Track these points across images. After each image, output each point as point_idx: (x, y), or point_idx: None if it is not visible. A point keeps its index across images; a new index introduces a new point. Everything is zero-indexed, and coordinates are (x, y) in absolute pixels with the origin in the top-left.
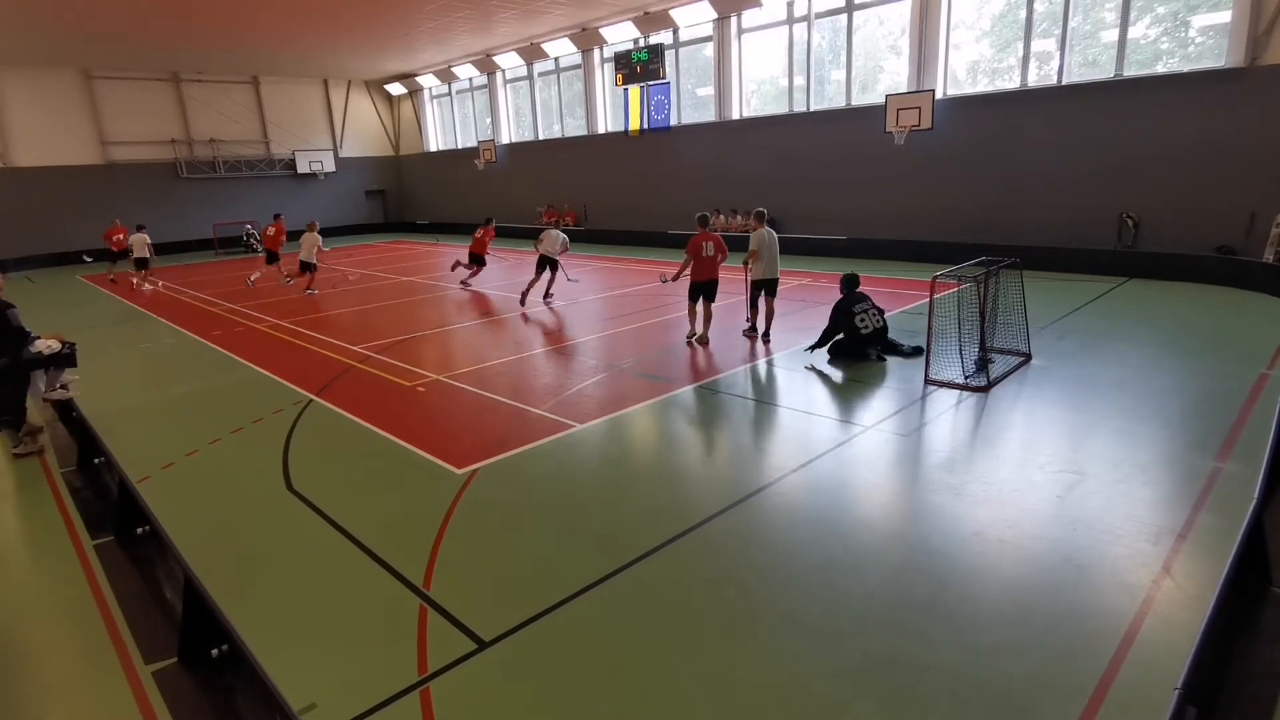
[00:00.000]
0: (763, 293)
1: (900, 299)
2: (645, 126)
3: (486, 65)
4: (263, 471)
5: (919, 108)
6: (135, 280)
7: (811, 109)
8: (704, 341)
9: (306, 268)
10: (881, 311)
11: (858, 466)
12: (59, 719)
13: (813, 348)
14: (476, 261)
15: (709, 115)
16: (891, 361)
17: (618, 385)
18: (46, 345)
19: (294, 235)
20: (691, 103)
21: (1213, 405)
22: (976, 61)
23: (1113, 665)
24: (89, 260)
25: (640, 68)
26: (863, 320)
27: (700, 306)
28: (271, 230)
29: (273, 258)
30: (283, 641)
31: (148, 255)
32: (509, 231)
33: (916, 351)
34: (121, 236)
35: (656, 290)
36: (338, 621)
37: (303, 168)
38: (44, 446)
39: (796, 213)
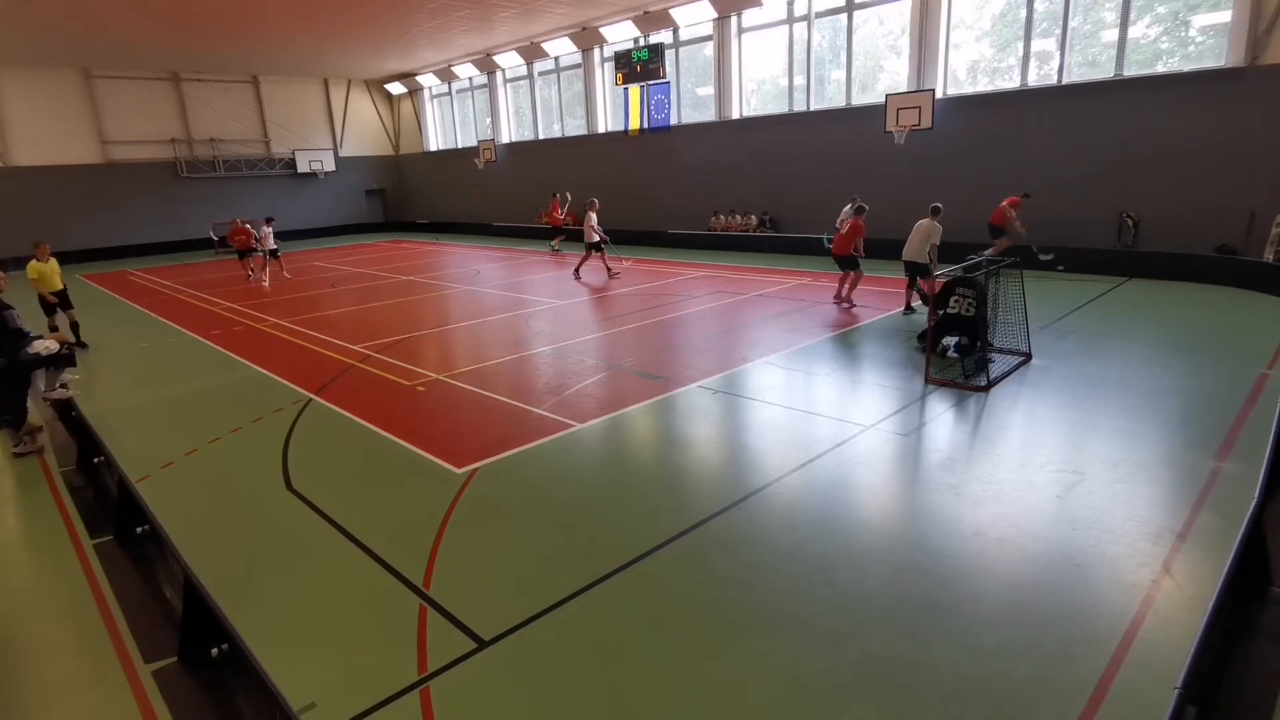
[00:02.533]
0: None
1: (901, 298)
2: (645, 126)
3: (486, 64)
4: (262, 471)
5: (919, 107)
6: (256, 270)
7: (811, 108)
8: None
9: (595, 248)
10: (979, 306)
11: (858, 466)
12: (59, 718)
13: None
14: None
15: (709, 115)
16: (891, 361)
17: (618, 385)
18: (45, 346)
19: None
20: (691, 102)
21: (1213, 405)
22: (976, 61)
23: (1112, 665)
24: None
25: (640, 67)
26: (955, 303)
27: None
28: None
29: (557, 231)
30: (282, 641)
31: (276, 245)
32: (509, 232)
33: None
34: (245, 237)
35: (657, 290)
36: (337, 621)
37: (303, 167)
38: (43, 446)
39: (796, 212)
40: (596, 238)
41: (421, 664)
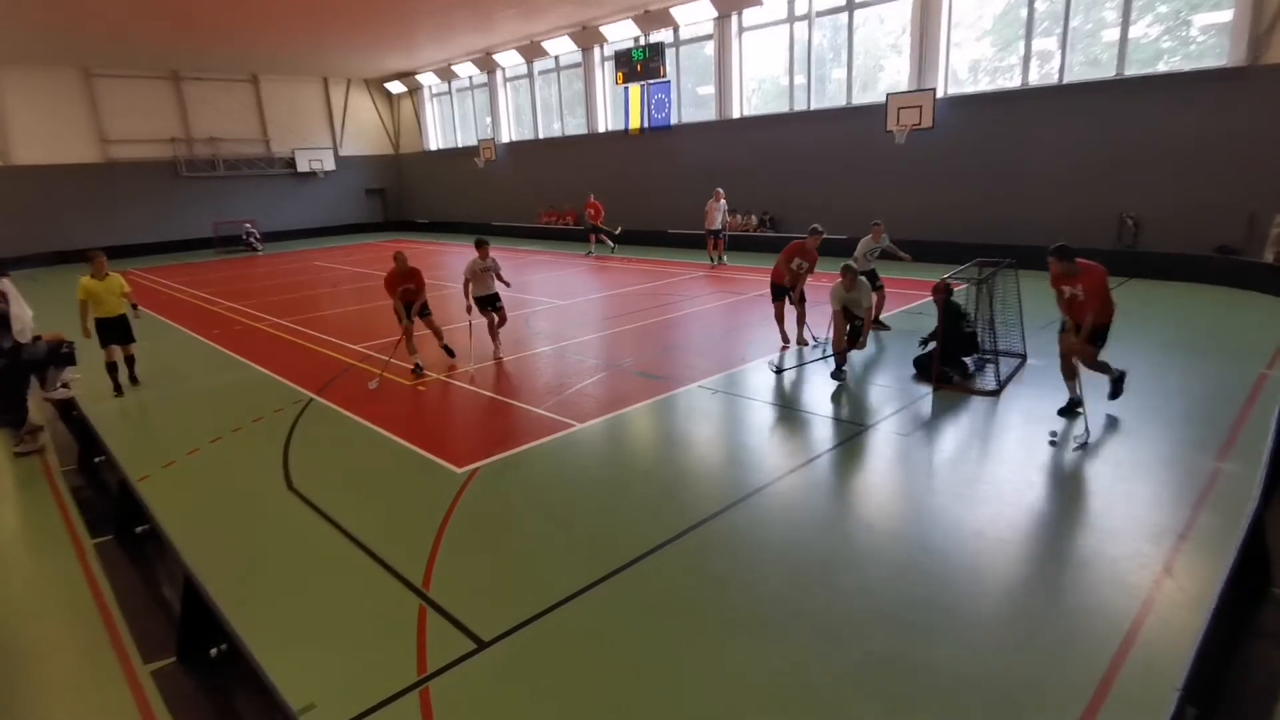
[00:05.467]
0: None
1: (900, 299)
2: (646, 125)
3: (487, 63)
4: (263, 471)
5: (920, 106)
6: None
7: (812, 108)
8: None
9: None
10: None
11: (858, 466)
12: (59, 718)
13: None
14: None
15: (709, 114)
16: (892, 361)
17: (618, 384)
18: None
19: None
20: (692, 101)
21: (1213, 405)
22: (978, 60)
23: (1113, 666)
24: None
25: (640, 66)
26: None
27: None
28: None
29: (596, 229)
30: (282, 641)
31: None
32: (509, 231)
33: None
34: (414, 287)
35: (657, 289)
36: (337, 621)
37: (303, 166)
38: (44, 445)
39: (796, 212)
40: (717, 225)
41: (421, 664)
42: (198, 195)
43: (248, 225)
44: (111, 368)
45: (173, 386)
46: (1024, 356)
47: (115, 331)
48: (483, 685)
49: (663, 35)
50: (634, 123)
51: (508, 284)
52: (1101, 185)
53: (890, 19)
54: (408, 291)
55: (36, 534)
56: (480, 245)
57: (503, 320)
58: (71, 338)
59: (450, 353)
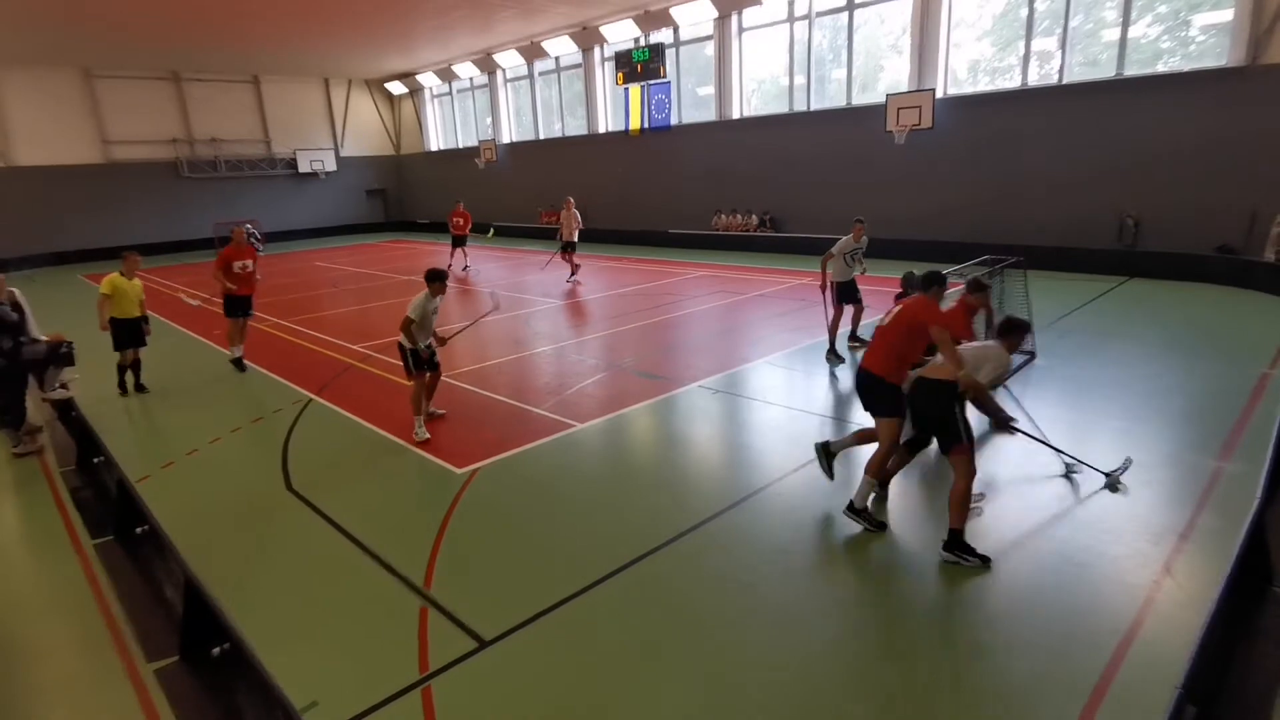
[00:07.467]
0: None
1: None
2: (646, 126)
3: (487, 64)
4: (262, 471)
5: (919, 107)
6: None
7: (812, 108)
8: None
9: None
10: None
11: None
12: (62, 718)
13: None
14: None
15: (709, 114)
16: None
17: (618, 384)
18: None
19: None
20: (692, 102)
21: (1214, 405)
22: (977, 61)
23: (1113, 664)
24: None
25: (641, 67)
26: None
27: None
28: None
29: (458, 241)
30: (284, 640)
31: None
32: (510, 232)
33: None
34: (252, 263)
35: (657, 289)
36: (338, 620)
37: (304, 167)
38: (43, 446)
39: (796, 212)
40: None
41: (423, 663)
42: (199, 196)
43: (249, 225)
44: (123, 369)
45: (172, 386)
46: (1032, 354)
47: (130, 334)
48: (484, 684)
49: (663, 36)
50: (634, 123)
51: (442, 340)
52: (1101, 185)
53: (890, 19)
54: (246, 272)
55: (37, 534)
56: (434, 280)
57: (436, 378)
58: (73, 337)
59: (240, 367)
